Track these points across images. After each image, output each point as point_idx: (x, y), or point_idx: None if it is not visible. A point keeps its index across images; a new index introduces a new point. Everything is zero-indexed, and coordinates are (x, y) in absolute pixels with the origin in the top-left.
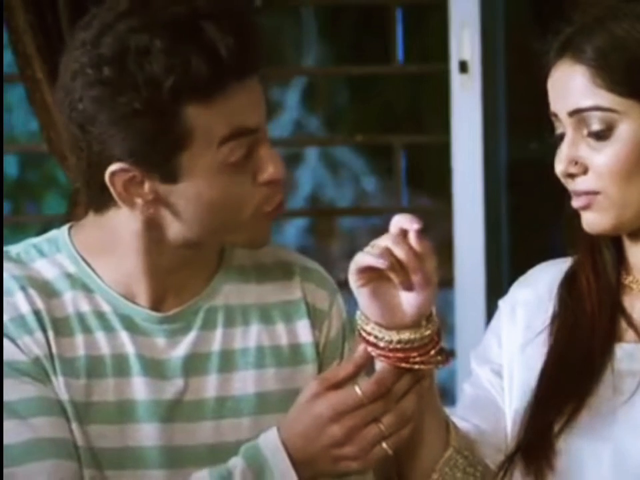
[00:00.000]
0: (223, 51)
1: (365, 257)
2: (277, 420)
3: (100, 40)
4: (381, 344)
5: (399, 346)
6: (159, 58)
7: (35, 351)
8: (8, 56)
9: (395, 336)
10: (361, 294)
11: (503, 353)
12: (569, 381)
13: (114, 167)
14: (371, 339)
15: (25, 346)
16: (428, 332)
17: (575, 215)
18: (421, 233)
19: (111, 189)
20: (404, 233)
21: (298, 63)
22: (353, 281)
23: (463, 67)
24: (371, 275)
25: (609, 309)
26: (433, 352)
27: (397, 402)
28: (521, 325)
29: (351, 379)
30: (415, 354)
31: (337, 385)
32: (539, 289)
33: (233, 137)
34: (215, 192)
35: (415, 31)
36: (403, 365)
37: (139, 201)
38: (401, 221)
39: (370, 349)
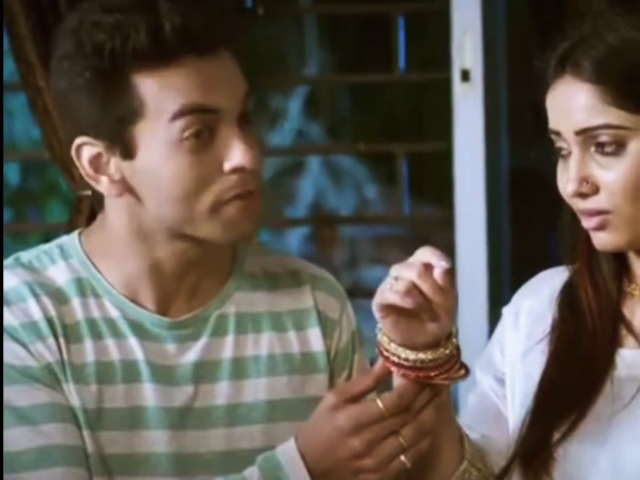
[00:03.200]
0: (166, 25)
1: (391, 295)
2: (288, 428)
3: (69, 18)
4: (403, 363)
5: (420, 365)
6: (106, 29)
7: (46, 357)
8: (9, 63)
9: (417, 355)
10: (385, 322)
11: (506, 360)
12: (569, 389)
13: (79, 139)
14: (394, 358)
15: (36, 352)
16: (448, 350)
17: (573, 225)
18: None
19: (78, 165)
20: (427, 266)
21: (300, 72)
22: (377, 311)
23: (465, 75)
24: (395, 308)
25: (610, 319)
26: (453, 369)
27: (415, 415)
28: (523, 333)
29: (369, 392)
30: (436, 372)
31: (355, 398)
32: (541, 297)
33: (184, 113)
34: (172, 170)
35: (416, 39)
36: (425, 381)
37: (104, 179)
38: (427, 255)
39: (392, 367)
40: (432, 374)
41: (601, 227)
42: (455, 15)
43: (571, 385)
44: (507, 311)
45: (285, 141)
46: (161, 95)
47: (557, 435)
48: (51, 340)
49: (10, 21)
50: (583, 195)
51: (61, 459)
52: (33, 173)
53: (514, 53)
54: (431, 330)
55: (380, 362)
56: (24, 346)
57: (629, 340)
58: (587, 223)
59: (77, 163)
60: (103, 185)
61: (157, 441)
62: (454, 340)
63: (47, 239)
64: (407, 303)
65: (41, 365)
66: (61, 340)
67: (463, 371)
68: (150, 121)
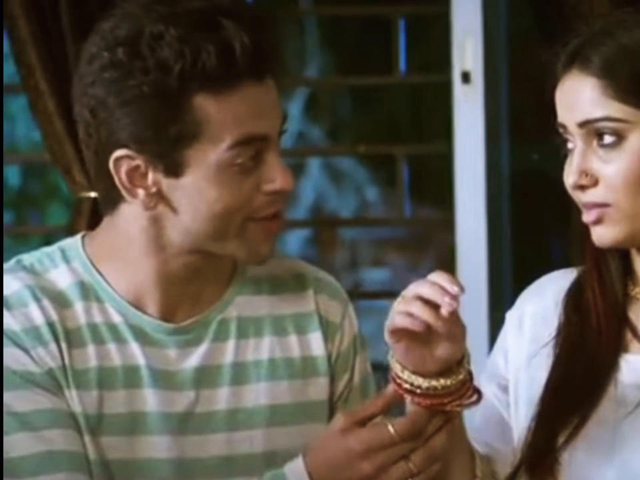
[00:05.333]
0: (236, 47)
1: (399, 319)
2: (289, 432)
3: (118, 25)
4: (416, 390)
5: (433, 392)
6: (171, 44)
7: (48, 362)
8: (10, 66)
9: (429, 383)
10: (397, 348)
11: (509, 366)
12: (573, 393)
13: (119, 152)
14: (406, 385)
15: (38, 357)
16: (461, 377)
17: (582, 226)
18: (456, 297)
19: (115, 177)
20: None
21: (300, 74)
22: (389, 338)
23: (466, 77)
24: (405, 331)
25: (615, 321)
26: (466, 395)
27: (426, 440)
28: (528, 337)
29: (378, 416)
30: (449, 398)
31: (364, 421)
32: (546, 300)
33: (242, 142)
34: (217, 192)
35: (417, 41)
36: (438, 409)
37: (141, 192)
38: (438, 279)
39: (405, 395)
40: (445, 401)
41: (599, 221)
42: (456, 17)
43: (575, 386)
44: (509, 315)
45: (286, 143)
46: (221, 120)
47: (561, 439)
48: (52, 345)
49: (11, 24)
50: (582, 188)
51: (63, 465)
52: (34, 175)
53: (514, 55)
54: (443, 356)
55: (391, 387)
56: (26, 351)
57: (634, 345)
58: (586, 217)
59: (114, 175)
60: (139, 198)
61: (158, 446)
62: (466, 365)
63: (47, 242)
64: (415, 326)
65: (43, 370)
66: (63, 345)
67: (475, 397)
68: (205, 145)
